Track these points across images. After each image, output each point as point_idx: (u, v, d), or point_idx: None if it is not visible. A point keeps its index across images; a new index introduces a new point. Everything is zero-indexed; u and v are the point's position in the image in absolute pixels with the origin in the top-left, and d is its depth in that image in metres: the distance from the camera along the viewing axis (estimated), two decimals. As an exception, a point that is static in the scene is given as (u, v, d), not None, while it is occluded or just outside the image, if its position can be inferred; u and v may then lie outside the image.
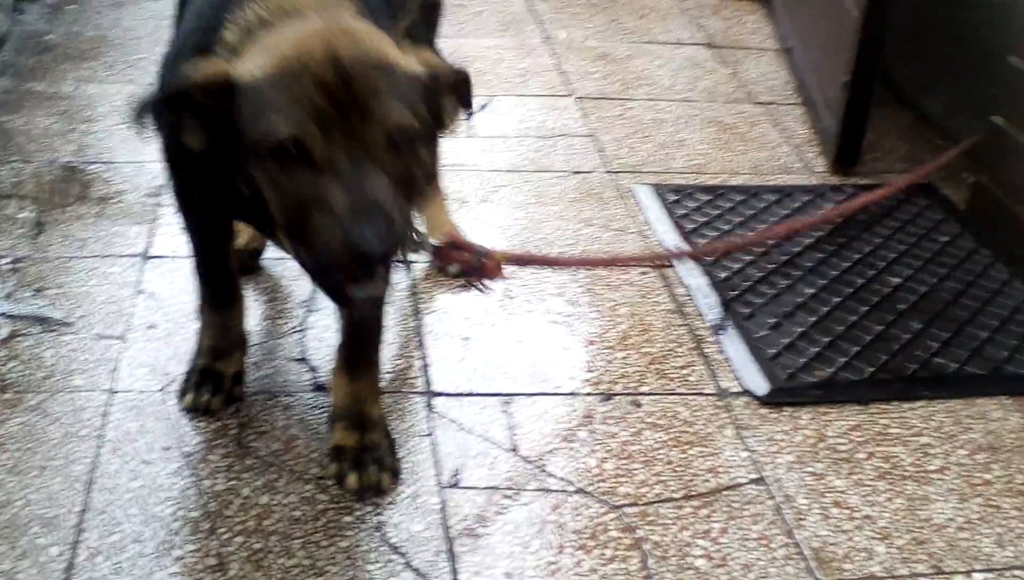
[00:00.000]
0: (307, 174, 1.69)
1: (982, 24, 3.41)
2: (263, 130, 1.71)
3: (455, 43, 3.98)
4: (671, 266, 2.85)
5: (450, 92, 1.90)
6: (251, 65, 1.75)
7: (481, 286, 2.19)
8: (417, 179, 1.80)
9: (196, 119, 1.79)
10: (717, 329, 2.60)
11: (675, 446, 2.28)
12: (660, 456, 2.25)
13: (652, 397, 2.41)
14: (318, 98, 1.69)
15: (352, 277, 1.72)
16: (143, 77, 3.66)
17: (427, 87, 1.82)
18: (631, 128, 3.60)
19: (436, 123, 1.87)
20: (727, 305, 2.69)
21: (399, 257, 1.72)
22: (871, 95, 3.33)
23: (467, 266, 2.17)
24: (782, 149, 3.52)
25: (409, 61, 1.82)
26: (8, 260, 2.70)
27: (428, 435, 2.26)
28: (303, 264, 1.82)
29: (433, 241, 2.17)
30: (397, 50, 1.83)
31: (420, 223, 2.68)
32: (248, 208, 1.86)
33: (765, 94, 3.90)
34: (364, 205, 1.67)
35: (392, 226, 1.69)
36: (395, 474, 2.14)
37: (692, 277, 2.80)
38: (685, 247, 2.90)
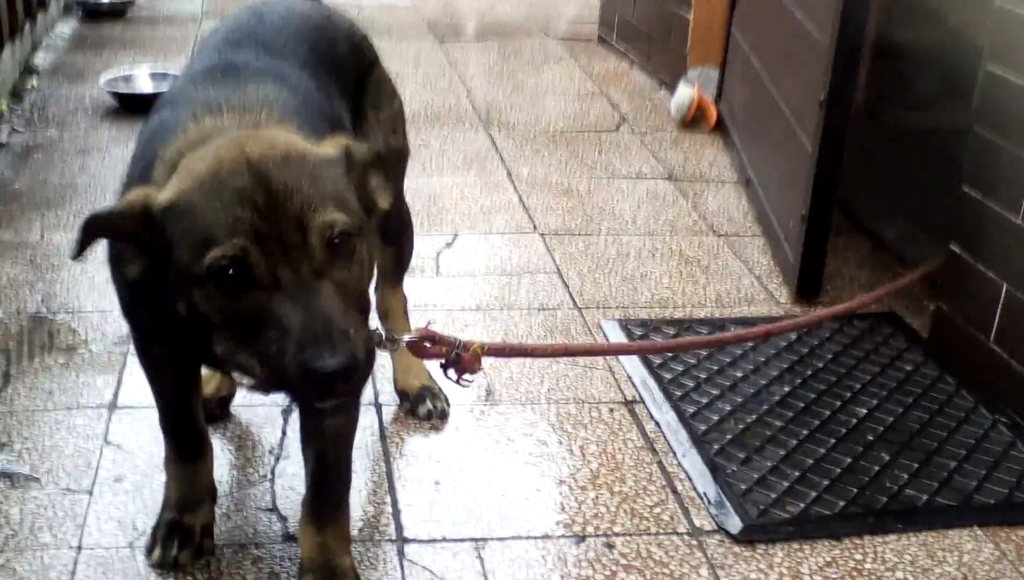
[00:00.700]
0: (249, 293, 1.67)
1: (936, 151, 3.49)
2: (195, 253, 1.68)
3: (420, 182, 4.04)
4: (640, 402, 2.87)
5: (373, 170, 1.89)
6: (169, 189, 1.74)
7: (461, 380, 2.18)
8: (363, 277, 1.81)
9: (131, 247, 1.79)
10: (689, 473, 2.60)
11: (650, 588, 2.26)
12: (635, 599, 2.23)
13: (625, 537, 2.40)
14: (243, 210, 1.67)
15: (314, 397, 1.70)
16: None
17: (348, 170, 1.82)
18: (595, 262, 3.64)
19: (368, 207, 1.86)
20: (698, 441, 2.69)
21: (363, 364, 1.71)
22: (829, 227, 3.39)
23: (445, 360, 2.15)
24: (745, 280, 3.57)
25: (321, 148, 1.81)
26: (-27, 414, 2.68)
27: (400, 584, 2.24)
28: (262, 379, 1.78)
29: (406, 336, 2.16)
30: (307, 142, 1.82)
31: (384, 325, 2.70)
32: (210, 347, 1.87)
33: (726, 225, 3.97)
34: (315, 325, 1.65)
35: (348, 341, 1.66)
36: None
37: (661, 412, 2.81)
38: (658, 390, 2.90)
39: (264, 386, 1.79)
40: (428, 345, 2.16)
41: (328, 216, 1.70)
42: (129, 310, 2.08)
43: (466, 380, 2.20)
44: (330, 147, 1.83)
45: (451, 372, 2.19)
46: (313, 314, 1.66)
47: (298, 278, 1.67)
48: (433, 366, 2.45)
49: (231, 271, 1.66)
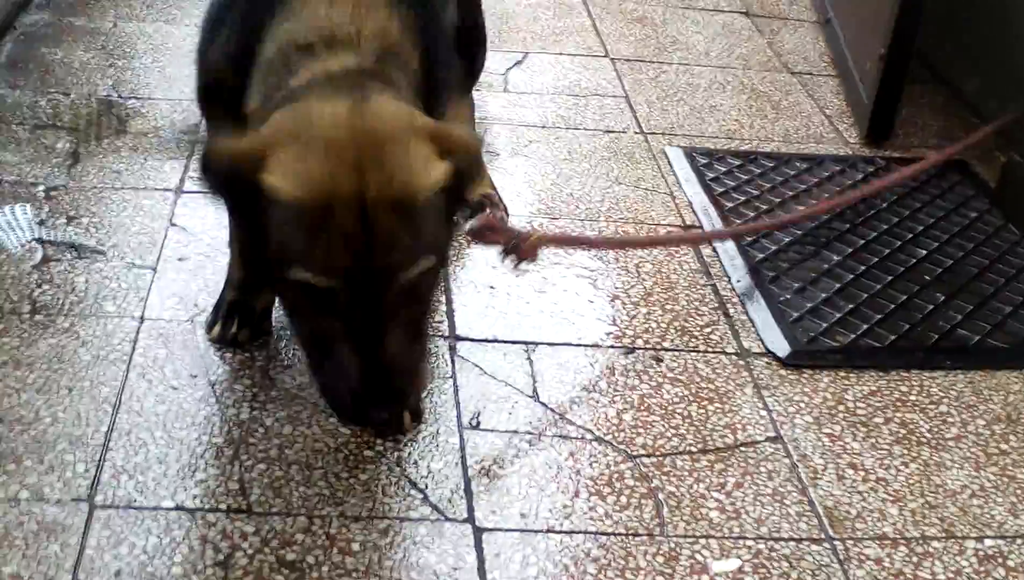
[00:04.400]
0: (325, 313, 1.69)
1: (1019, 3, 3.39)
2: (287, 258, 1.67)
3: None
4: (699, 228, 2.87)
5: (473, 176, 1.86)
6: (279, 177, 1.65)
7: (518, 268, 2.21)
8: (431, 301, 1.85)
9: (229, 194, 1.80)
10: (743, 297, 2.61)
11: (694, 401, 2.30)
12: (679, 410, 2.27)
13: (674, 353, 2.43)
14: (343, 255, 1.63)
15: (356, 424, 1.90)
16: (182, 16, 3.69)
17: (451, 186, 1.74)
18: (664, 91, 3.60)
19: (457, 206, 1.85)
20: (753, 268, 2.70)
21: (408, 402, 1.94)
22: (906, 69, 3.32)
23: (504, 248, 2.17)
24: (815, 119, 3.52)
25: (434, 171, 1.71)
26: (43, 187, 2.73)
27: (451, 378, 2.28)
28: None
29: (468, 224, 2.18)
30: (424, 153, 1.71)
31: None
32: None
33: (800, 64, 3.90)
34: (374, 379, 1.70)
35: (400, 395, 1.76)
36: (416, 414, 2.16)
37: (719, 239, 2.81)
38: (717, 218, 2.90)
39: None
40: (488, 232, 2.17)
41: (418, 269, 1.69)
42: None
43: (523, 269, 2.21)
44: (442, 169, 1.72)
45: (508, 260, 2.20)
46: (375, 366, 1.70)
47: (370, 325, 1.68)
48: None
49: (312, 294, 1.68)
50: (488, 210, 2.65)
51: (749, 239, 2.81)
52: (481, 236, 2.18)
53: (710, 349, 2.45)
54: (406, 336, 1.73)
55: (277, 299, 2.14)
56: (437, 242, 1.76)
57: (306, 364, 1.88)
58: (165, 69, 3.36)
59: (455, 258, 2.64)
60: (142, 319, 2.34)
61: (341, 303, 1.67)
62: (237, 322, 2.30)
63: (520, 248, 2.18)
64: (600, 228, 2.83)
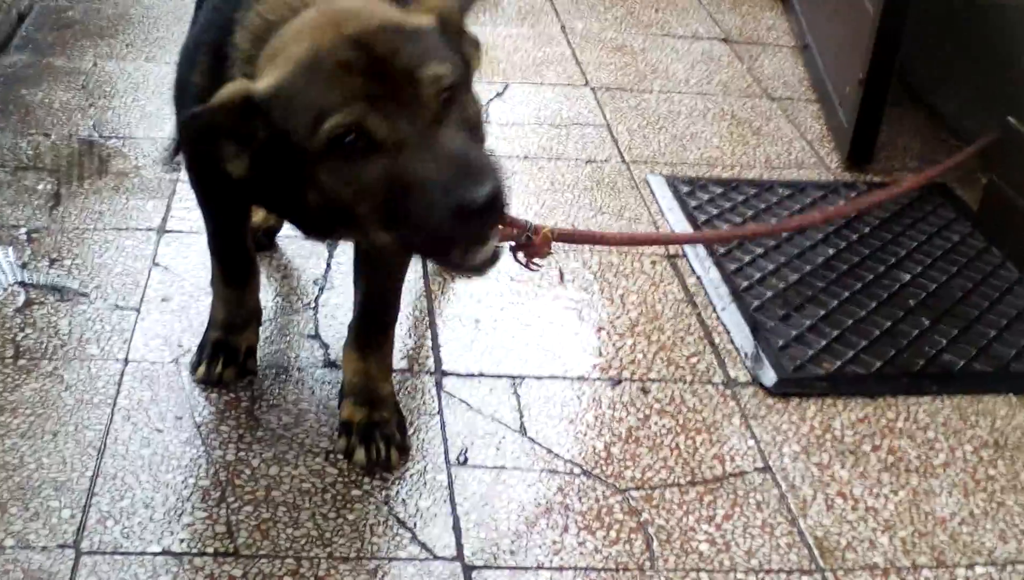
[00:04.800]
0: (374, 157, 1.64)
1: (998, 25, 3.41)
2: (310, 129, 1.64)
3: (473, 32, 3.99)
4: (683, 256, 2.87)
5: (466, 35, 1.86)
6: (268, 77, 1.70)
7: (530, 263, 2.16)
8: (477, 122, 1.77)
9: (234, 145, 1.73)
10: (729, 326, 2.61)
11: (682, 432, 2.29)
12: (667, 442, 2.27)
13: (660, 384, 2.43)
14: (352, 78, 1.64)
15: (468, 241, 1.68)
16: (162, 55, 3.69)
17: (443, 33, 1.78)
18: (646, 119, 3.61)
19: (466, 62, 1.83)
20: (738, 296, 2.70)
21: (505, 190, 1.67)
22: (886, 93, 3.34)
23: (515, 242, 2.12)
24: (796, 144, 3.53)
25: (416, 16, 1.77)
26: (25, 230, 2.72)
27: (438, 414, 2.28)
28: (403, 245, 1.76)
29: None
30: (400, 12, 1.78)
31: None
32: (269, 196, 1.88)
33: (780, 90, 3.92)
34: (452, 165, 1.61)
35: (492, 170, 1.64)
36: (404, 450, 2.16)
37: (703, 268, 2.82)
38: (701, 246, 2.90)
39: (415, 250, 1.79)
40: (500, 225, 2.13)
41: (433, 69, 1.67)
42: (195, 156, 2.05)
43: (535, 264, 2.17)
44: (423, 16, 1.78)
45: (520, 255, 2.16)
46: (447, 156, 1.63)
47: (420, 130, 1.64)
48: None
49: (351, 138, 1.63)
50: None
51: (733, 267, 2.81)
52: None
53: (697, 379, 2.45)
54: (463, 135, 1.69)
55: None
56: (447, 58, 1.72)
57: (393, 244, 1.74)
58: (146, 107, 3.36)
59: (439, 293, 2.64)
60: (126, 361, 2.33)
61: (383, 133, 1.63)
62: (222, 362, 2.30)
63: (532, 242, 2.14)
64: (585, 258, 2.83)
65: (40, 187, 2.91)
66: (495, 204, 1.62)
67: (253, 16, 1.81)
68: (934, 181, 3.29)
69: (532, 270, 2.21)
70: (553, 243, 2.15)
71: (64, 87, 3.46)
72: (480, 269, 1.74)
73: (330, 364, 2.37)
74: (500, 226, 1.80)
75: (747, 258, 2.87)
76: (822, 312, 2.68)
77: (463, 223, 1.62)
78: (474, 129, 1.75)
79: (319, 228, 1.86)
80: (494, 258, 1.76)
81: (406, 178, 1.63)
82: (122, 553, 1.89)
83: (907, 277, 2.85)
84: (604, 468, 2.18)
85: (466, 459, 2.17)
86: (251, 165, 1.74)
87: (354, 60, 1.66)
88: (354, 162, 1.65)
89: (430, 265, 2.73)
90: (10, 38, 3.73)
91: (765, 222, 3.04)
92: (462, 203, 1.59)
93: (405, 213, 1.65)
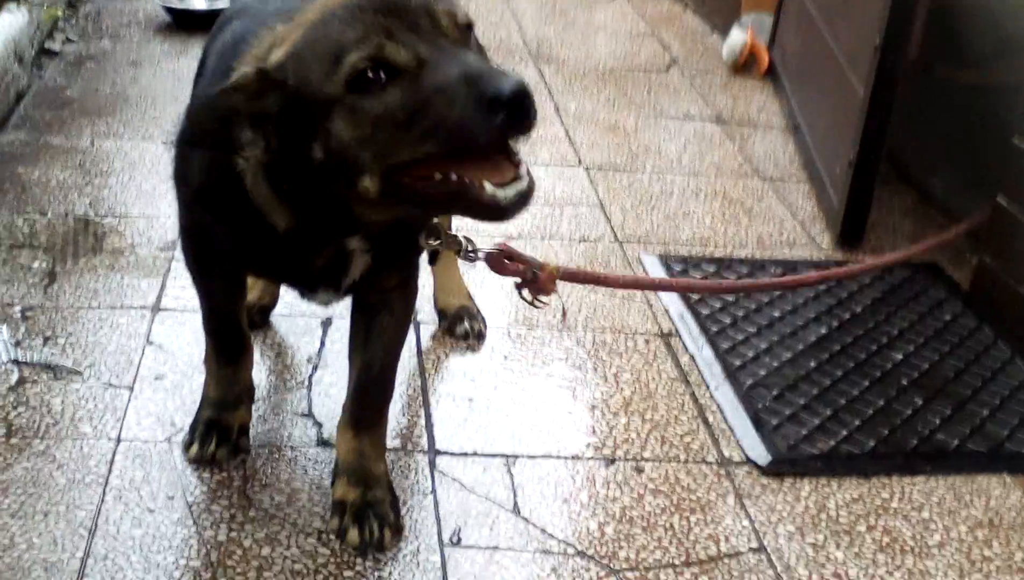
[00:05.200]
0: (399, 81, 1.60)
1: (986, 106, 3.46)
2: (328, 73, 1.61)
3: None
4: (676, 335, 2.88)
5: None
6: (282, 47, 1.69)
7: (536, 301, 2.14)
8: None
9: (249, 128, 1.69)
10: (722, 405, 2.62)
11: (676, 512, 2.28)
12: (661, 522, 2.25)
13: (654, 463, 2.42)
14: (366, 14, 1.61)
15: (501, 143, 1.58)
16: (160, 134, 3.72)
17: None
18: (638, 198, 3.64)
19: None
20: (732, 375, 2.71)
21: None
22: (876, 173, 3.38)
23: (521, 279, 2.11)
24: (787, 224, 3.56)
25: None
26: (19, 308, 2.72)
27: (431, 493, 2.27)
28: (430, 196, 1.66)
29: (486, 249, 2.10)
30: None
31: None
32: (270, 254, 1.89)
33: (771, 169, 3.95)
34: (477, 69, 1.57)
35: (511, 73, 1.56)
36: (397, 530, 2.14)
37: (696, 346, 2.83)
38: (694, 325, 2.91)
39: (447, 194, 1.65)
40: (507, 261, 2.13)
41: (449, 5, 1.66)
42: (193, 220, 2.06)
43: (540, 301, 2.16)
44: None
45: (526, 292, 2.12)
46: (470, 64, 1.58)
47: (440, 49, 1.61)
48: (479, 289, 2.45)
49: (372, 72, 1.60)
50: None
51: (726, 346, 2.82)
52: (498, 266, 2.12)
53: (691, 458, 2.44)
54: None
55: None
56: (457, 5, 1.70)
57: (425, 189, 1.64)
58: (142, 185, 3.38)
59: (433, 370, 2.64)
60: (119, 440, 2.32)
61: (404, 58, 1.59)
62: (215, 441, 2.29)
63: (538, 279, 2.12)
64: (578, 337, 2.84)
65: (35, 265, 2.92)
66: (525, 101, 1.54)
67: (250, 56, 1.78)
68: (925, 260, 3.32)
69: (537, 307, 2.19)
70: (558, 284, 2.13)
71: (61, 165, 3.48)
72: (511, 208, 1.62)
73: (323, 443, 2.37)
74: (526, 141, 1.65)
75: (740, 337, 2.88)
76: (816, 391, 2.68)
77: (493, 118, 1.52)
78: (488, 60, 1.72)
79: (317, 231, 1.80)
80: (526, 195, 1.64)
81: (430, 90, 1.58)
82: (112, 635, 1.87)
83: (900, 356, 2.85)
84: (598, 548, 2.17)
85: (459, 539, 2.16)
86: (266, 147, 1.70)
87: (366, 3, 1.63)
88: (374, 95, 1.60)
89: (425, 343, 2.74)
90: (8, 116, 3.77)
91: (749, 304, 3.05)
92: (492, 94, 1.52)
93: (429, 127, 1.58)
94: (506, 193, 1.61)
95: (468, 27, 1.69)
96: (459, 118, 1.54)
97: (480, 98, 1.52)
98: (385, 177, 1.65)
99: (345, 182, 1.67)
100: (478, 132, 1.55)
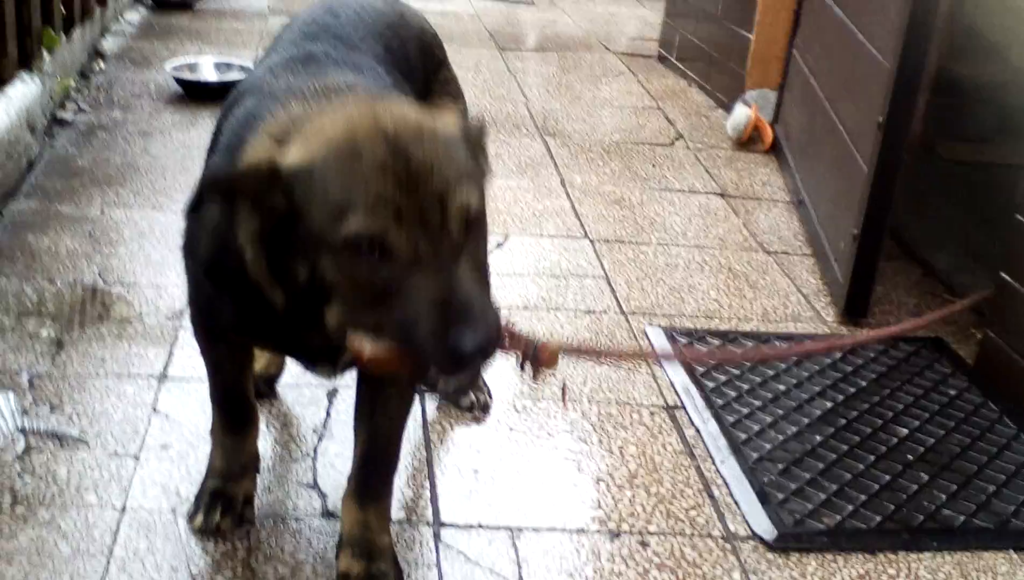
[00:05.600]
0: (387, 268, 1.64)
1: (990, 183, 3.49)
2: (331, 222, 1.65)
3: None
4: (681, 408, 2.88)
5: (481, 148, 1.86)
6: (300, 150, 1.71)
7: (537, 377, 2.14)
8: (486, 253, 1.77)
9: (250, 209, 1.73)
10: (728, 479, 2.61)
11: (682, 587, 2.27)
12: (666, 597, 2.24)
13: (659, 537, 2.41)
14: (384, 186, 1.63)
15: (450, 372, 1.69)
16: (169, 204, 3.75)
17: (465, 145, 1.78)
18: (643, 271, 3.66)
19: (478, 156, 1.83)
20: (737, 449, 2.71)
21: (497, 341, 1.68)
22: (880, 248, 3.40)
23: (522, 356, 2.13)
24: (792, 298, 3.57)
25: (442, 122, 1.77)
26: (27, 376, 2.73)
27: (435, 566, 2.26)
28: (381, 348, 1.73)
29: None
30: (430, 115, 1.78)
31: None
32: (271, 328, 1.90)
33: (776, 243, 3.98)
34: (459, 305, 1.62)
35: (487, 321, 1.64)
36: (401, 603, 2.13)
37: (702, 419, 2.83)
38: (699, 398, 2.92)
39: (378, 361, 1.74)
40: (507, 340, 2.15)
41: (465, 197, 1.67)
42: (200, 291, 2.07)
43: (542, 376, 2.16)
44: (448, 122, 1.78)
45: (527, 367, 2.14)
46: (456, 293, 1.64)
47: (439, 256, 1.64)
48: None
49: (369, 246, 1.64)
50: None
51: (732, 419, 2.82)
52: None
53: (696, 532, 2.44)
54: (479, 280, 1.69)
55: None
56: (475, 181, 1.72)
57: (381, 353, 1.71)
58: (151, 255, 3.40)
59: (438, 442, 2.65)
60: (124, 509, 2.32)
61: (403, 249, 1.63)
62: (219, 511, 2.28)
63: (539, 355, 2.14)
64: (583, 409, 2.84)
65: (43, 333, 2.93)
66: (483, 353, 1.64)
67: (263, 133, 1.81)
68: (929, 336, 3.33)
69: (537, 383, 2.19)
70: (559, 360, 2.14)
71: (71, 234, 3.51)
72: (455, 396, 1.72)
73: (328, 514, 2.36)
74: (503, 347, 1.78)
75: (745, 411, 2.88)
76: (821, 466, 2.68)
77: (447, 359, 1.64)
78: (484, 257, 1.76)
79: (308, 314, 1.82)
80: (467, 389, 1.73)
81: (408, 298, 1.64)
82: None
83: (905, 431, 2.85)
84: (603, 623, 2.16)
85: (464, 613, 2.15)
86: (260, 233, 1.74)
87: (390, 163, 1.65)
88: (363, 265, 1.65)
89: (430, 414, 2.74)
90: (19, 185, 3.80)
91: (757, 393, 3.06)
92: (454, 345, 1.62)
93: (394, 324, 1.66)
94: (450, 383, 1.71)
95: (477, 220, 1.71)
96: (421, 338, 1.64)
97: (443, 336, 1.62)
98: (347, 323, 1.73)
99: (320, 298, 1.74)
100: (434, 358, 1.66)
